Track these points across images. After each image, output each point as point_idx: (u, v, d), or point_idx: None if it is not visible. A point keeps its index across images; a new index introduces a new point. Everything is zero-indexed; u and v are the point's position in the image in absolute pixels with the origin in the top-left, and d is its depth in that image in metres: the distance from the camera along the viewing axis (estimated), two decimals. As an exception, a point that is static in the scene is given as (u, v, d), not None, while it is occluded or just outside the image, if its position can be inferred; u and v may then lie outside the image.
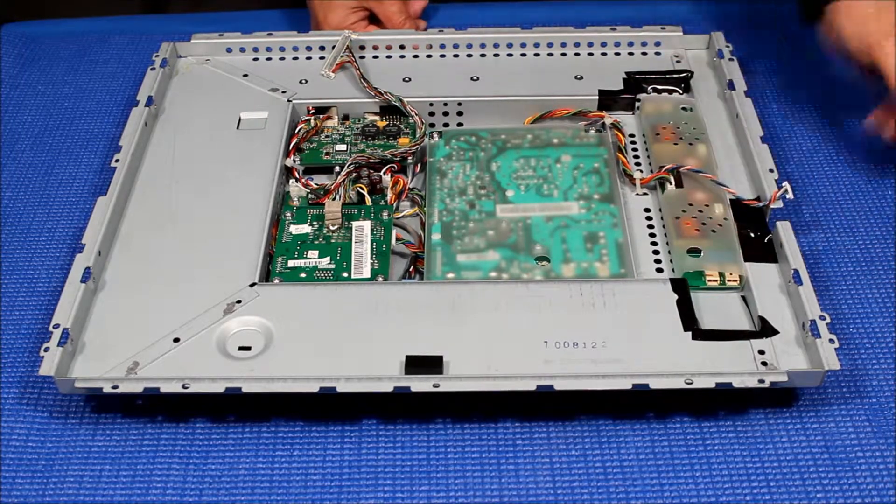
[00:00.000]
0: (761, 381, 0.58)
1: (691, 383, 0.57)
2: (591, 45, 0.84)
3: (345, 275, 0.66)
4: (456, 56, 0.84)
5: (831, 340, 0.59)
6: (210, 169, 0.73)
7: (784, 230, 0.66)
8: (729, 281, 0.65)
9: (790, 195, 0.68)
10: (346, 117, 0.79)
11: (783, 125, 0.82)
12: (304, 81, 0.81)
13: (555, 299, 0.63)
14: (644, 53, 0.84)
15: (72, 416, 0.62)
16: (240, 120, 0.78)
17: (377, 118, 0.79)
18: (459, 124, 0.79)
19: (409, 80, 0.81)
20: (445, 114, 0.79)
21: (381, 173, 0.73)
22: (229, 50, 0.84)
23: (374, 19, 0.87)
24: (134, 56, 0.91)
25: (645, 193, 0.72)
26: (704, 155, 0.73)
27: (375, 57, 0.84)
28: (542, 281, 0.65)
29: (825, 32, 0.74)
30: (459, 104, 0.79)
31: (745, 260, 0.65)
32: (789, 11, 0.93)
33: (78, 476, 0.59)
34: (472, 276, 0.66)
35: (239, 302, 0.63)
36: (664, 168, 0.71)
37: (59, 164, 0.79)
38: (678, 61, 0.82)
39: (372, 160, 0.73)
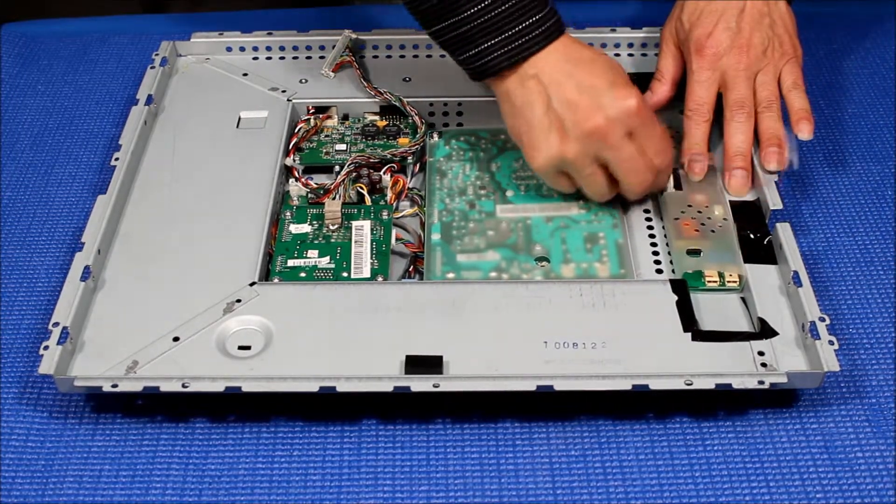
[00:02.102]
0: (761, 383, 0.58)
1: (691, 384, 0.57)
2: (590, 45, 0.83)
3: (345, 274, 0.66)
4: (456, 56, 0.84)
5: (831, 342, 0.59)
6: (210, 168, 0.73)
7: (784, 231, 0.66)
8: (728, 282, 0.65)
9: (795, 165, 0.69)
10: (346, 117, 0.80)
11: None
12: (304, 81, 0.81)
13: (555, 299, 0.63)
14: (644, 54, 0.84)
15: (71, 415, 0.62)
16: (239, 119, 0.78)
17: (377, 118, 0.79)
18: (459, 124, 0.79)
19: (409, 80, 0.81)
20: (445, 114, 0.79)
21: (381, 173, 0.73)
22: (229, 49, 0.84)
23: None
24: (134, 56, 0.91)
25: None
26: (704, 155, 0.73)
27: (375, 57, 0.84)
28: (542, 281, 0.65)
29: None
30: (459, 104, 0.79)
31: (745, 261, 0.65)
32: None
33: (77, 476, 0.58)
34: (472, 276, 0.66)
35: (239, 301, 0.63)
36: None
37: (59, 164, 0.79)
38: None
39: (372, 160, 0.73)
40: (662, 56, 0.76)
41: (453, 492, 0.57)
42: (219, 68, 0.83)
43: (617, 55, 0.84)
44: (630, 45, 0.84)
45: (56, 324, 0.61)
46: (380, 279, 0.66)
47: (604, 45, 0.83)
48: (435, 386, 0.58)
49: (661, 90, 0.75)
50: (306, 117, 0.78)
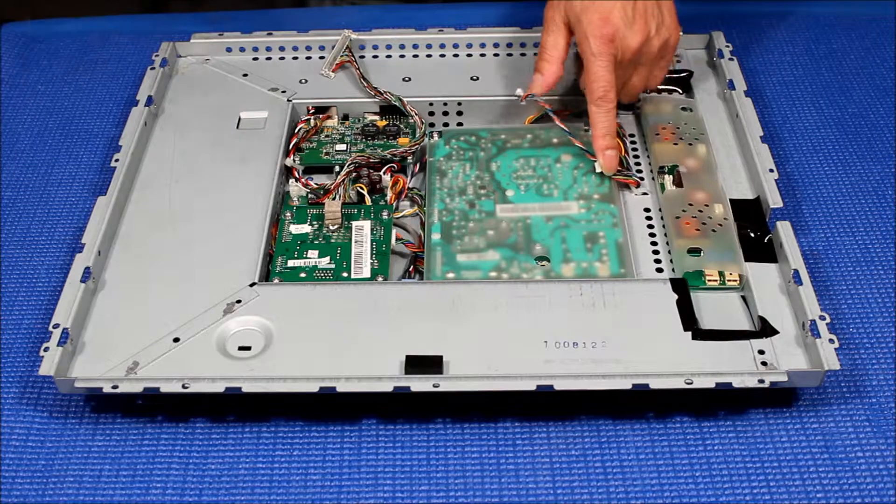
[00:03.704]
0: (761, 381, 0.58)
1: (691, 383, 0.57)
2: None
3: (345, 275, 0.66)
4: (456, 56, 0.84)
5: (831, 340, 0.59)
6: (210, 169, 0.73)
7: (784, 230, 0.66)
8: (729, 281, 0.65)
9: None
10: (345, 117, 0.80)
11: (783, 125, 0.82)
12: (304, 81, 0.81)
13: (555, 299, 0.63)
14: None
15: (72, 416, 0.62)
16: (239, 120, 0.78)
17: (377, 118, 0.79)
18: (459, 124, 0.79)
19: (409, 79, 0.81)
20: (445, 114, 0.79)
21: (381, 173, 0.73)
22: (229, 50, 0.84)
23: None
24: (134, 56, 0.91)
25: (645, 193, 0.72)
26: (704, 155, 0.73)
27: (375, 57, 0.84)
28: (542, 281, 0.65)
29: None
30: (459, 104, 0.79)
31: (745, 260, 0.65)
32: (790, 11, 0.93)
33: (78, 476, 0.59)
34: (472, 275, 0.66)
35: (239, 302, 0.63)
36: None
37: (59, 164, 0.79)
38: (678, 61, 0.82)
39: (372, 160, 0.73)
40: (549, 33, 0.73)
41: (453, 491, 0.57)
42: (219, 69, 0.83)
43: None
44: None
45: (56, 325, 0.61)
46: (380, 279, 0.66)
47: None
48: (435, 386, 0.58)
49: (551, 70, 0.73)
50: (306, 117, 0.78)
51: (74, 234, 0.73)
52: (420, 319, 0.62)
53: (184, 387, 0.58)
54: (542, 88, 0.73)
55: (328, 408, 0.61)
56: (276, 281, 0.66)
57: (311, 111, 0.79)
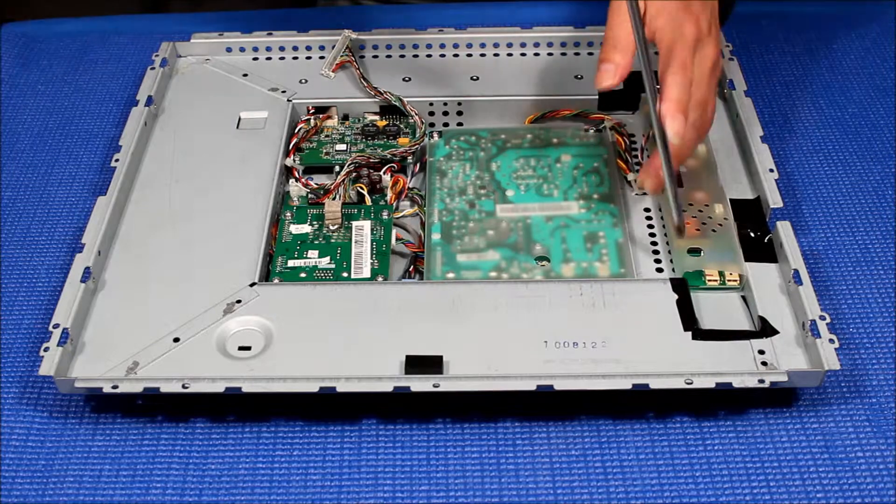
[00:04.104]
0: (761, 381, 0.58)
1: (691, 383, 0.57)
2: (591, 44, 0.84)
3: (345, 275, 0.66)
4: (456, 56, 0.84)
5: (831, 340, 0.59)
6: (210, 169, 0.73)
7: (784, 230, 0.66)
8: (729, 281, 0.65)
9: None
10: (345, 117, 0.80)
11: (783, 125, 0.82)
12: (304, 81, 0.81)
13: (555, 299, 0.63)
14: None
15: (72, 415, 0.62)
16: (239, 120, 0.78)
17: (377, 118, 0.79)
18: (459, 124, 0.79)
19: (409, 79, 0.81)
20: (445, 114, 0.79)
21: (381, 173, 0.73)
22: (229, 50, 0.84)
23: None
24: (134, 56, 0.91)
25: (644, 193, 0.72)
26: (704, 155, 0.73)
27: (375, 57, 0.84)
28: (542, 281, 0.65)
29: None
30: (459, 104, 0.79)
31: (746, 260, 0.65)
32: (790, 11, 0.93)
33: (78, 476, 0.59)
34: (472, 275, 0.66)
35: (239, 302, 0.63)
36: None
37: (59, 164, 0.79)
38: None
39: (372, 160, 0.73)
40: (624, 22, 0.64)
41: (453, 492, 0.57)
42: (219, 69, 0.83)
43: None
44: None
45: (56, 325, 0.61)
46: (380, 279, 0.66)
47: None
48: (435, 386, 0.58)
49: (626, 63, 0.65)
50: (306, 117, 0.78)
51: (74, 234, 0.73)
52: (420, 319, 0.62)
53: (184, 387, 0.58)
54: (615, 79, 0.65)
55: (328, 408, 0.61)
56: (276, 281, 0.66)
57: (311, 111, 0.79)
